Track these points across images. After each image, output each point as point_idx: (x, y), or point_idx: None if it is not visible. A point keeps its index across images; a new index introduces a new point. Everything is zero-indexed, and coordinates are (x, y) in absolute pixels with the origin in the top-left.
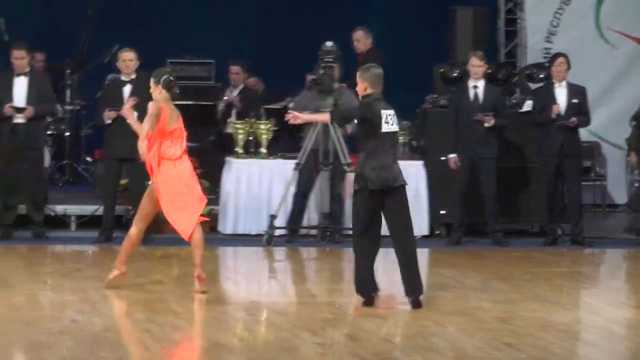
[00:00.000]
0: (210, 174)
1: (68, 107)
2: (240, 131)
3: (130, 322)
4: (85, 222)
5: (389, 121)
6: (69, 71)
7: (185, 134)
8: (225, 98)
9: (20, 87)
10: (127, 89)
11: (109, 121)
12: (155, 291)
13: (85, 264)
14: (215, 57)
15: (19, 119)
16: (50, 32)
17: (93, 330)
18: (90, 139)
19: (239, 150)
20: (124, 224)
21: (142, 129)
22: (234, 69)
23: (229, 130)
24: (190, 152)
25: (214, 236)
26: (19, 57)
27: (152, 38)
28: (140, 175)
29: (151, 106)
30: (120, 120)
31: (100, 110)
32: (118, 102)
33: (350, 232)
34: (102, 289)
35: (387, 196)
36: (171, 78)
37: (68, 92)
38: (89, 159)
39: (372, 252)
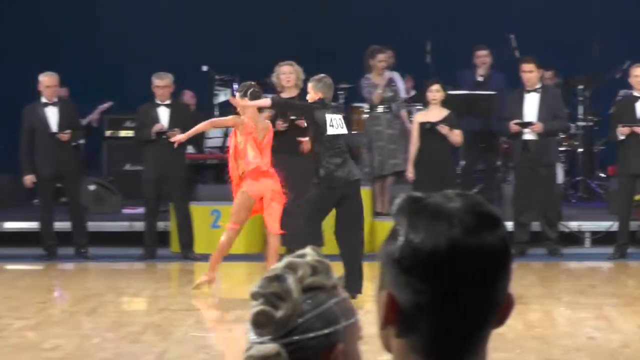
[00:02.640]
0: None
1: (580, 124)
2: None
3: None
4: (600, 238)
5: (334, 124)
6: (581, 87)
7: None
8: None
9: (530, 103)
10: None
11: (622, 137)
12: None
13: (601, 281)
14: None
15: (529, 135)
16: (562, 47)
17: (610, 347)
18: (604, 155)
19: None
20: (638, 239)
21: (203, 125)
22: None
23: None
24: None
25: None
26: (527, 70)
27: None
28: None
29: (232, 119)
30: (634, 135)
31: (613, 126)
32: (632, 118)
33: None
34: (619, 306)
35: (342, 192)
36: (256, 90)
37: (580, 108)
38: (602, 174)
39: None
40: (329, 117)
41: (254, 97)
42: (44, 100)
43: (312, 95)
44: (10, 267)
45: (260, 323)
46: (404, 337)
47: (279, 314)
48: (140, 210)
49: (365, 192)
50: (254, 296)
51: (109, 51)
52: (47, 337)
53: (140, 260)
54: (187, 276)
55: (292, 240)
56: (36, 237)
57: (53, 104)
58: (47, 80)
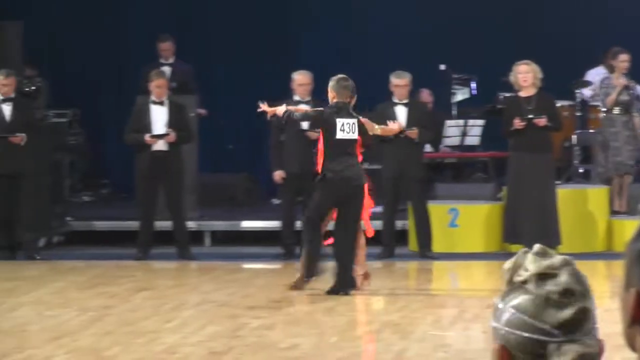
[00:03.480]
0: None
1: None
2: None
3: None
4: None
5: (345, 129)
6: None
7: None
8: None
9: None
10: None
11: None
12: None
13: None
14: None
15: None
16: None
17: None
18: None
19: None
20: None
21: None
22: None
23: None
24: None
25: None
26: None
27: None
28: None
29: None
30: None
31: None
32: None
33: None
34: None
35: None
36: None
37: None
38: None
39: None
40: (340, 121)
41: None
42: (296, 97)
43: (330, 95)
44: (248, 266)
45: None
46: None
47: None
48: (378, 208)
49: (602, 192)
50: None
51: (345, 50)
52: (285, 336)
53: (378, 259)
54: (425, 275)
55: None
56: (271, 236)
57: (306, 102)
58: (301, 78)
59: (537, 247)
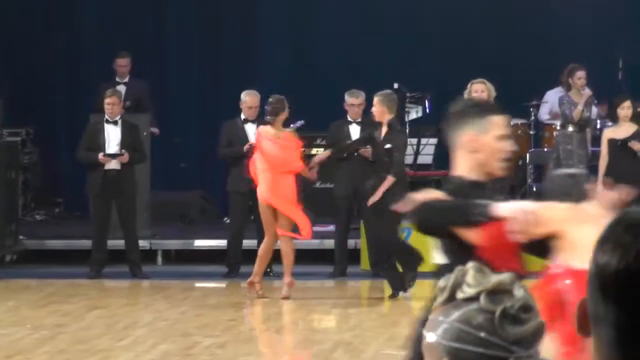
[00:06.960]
0: None
1: None
2: None
3: None
4: None
5: None
6: None
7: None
8: None
9: None
10: None
11: None
12: None
13: None
14: None
15: None
16: None
17: None
18: None
19: None
20: None
21: None
22: None
23: None
24: None
25: None
26: None
27: None
28: None
29: None
30: None
31: None
32: None
33: None
34: None
35: None
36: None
37: None
38: None
39: None
40: None
41: None
42: (243, 117)
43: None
44: (200, 284)
45: None
46: None
47: None
48: (330, 228)
49: None
50: None
51: (299, 69)
52: (237, 354)
53: (330, 278)
54: (378, 293)
55: None
56: (224, 255)
57: (252, 121)
58: (250, 100)
59: (475, 264)
